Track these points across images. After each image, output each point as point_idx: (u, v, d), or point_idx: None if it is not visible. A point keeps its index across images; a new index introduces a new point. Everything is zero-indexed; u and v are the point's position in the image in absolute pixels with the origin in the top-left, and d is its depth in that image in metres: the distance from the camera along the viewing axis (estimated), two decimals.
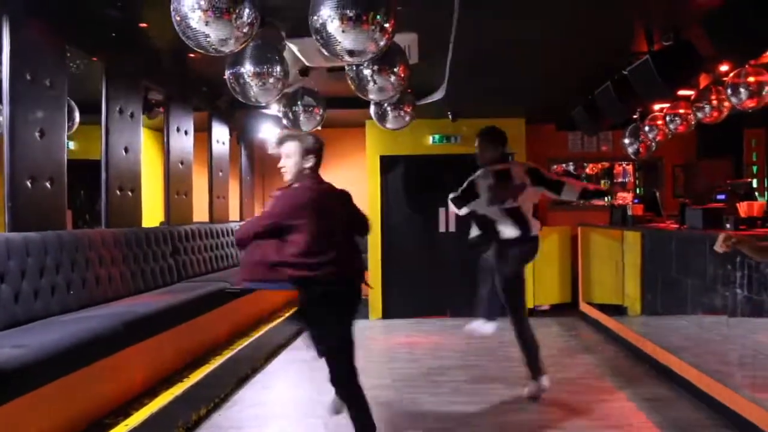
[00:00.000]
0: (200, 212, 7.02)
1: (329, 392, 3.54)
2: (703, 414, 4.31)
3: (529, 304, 8.19)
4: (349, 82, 4.34)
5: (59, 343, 3.09)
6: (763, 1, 3.23)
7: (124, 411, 3.78)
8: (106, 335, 3.47)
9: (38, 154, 4.02)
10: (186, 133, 6.46)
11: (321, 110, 5.50)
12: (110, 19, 4.51)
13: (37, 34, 4.05)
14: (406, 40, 4.71)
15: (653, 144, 7.07)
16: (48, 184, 4.10)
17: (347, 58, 3.12)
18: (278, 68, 4.05)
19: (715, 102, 5.59)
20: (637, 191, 8.89)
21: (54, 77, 4.17)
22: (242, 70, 4.01)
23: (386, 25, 3.05)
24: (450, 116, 7.72)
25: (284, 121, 5.57)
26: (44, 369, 2.94)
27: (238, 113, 7.68)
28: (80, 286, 4.12)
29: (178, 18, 3.01)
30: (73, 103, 5.68)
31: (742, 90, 5.00)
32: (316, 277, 3.19)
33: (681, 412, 4.38)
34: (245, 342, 5.71)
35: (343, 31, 2.97)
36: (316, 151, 3.37)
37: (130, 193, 5.29)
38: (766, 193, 7.69)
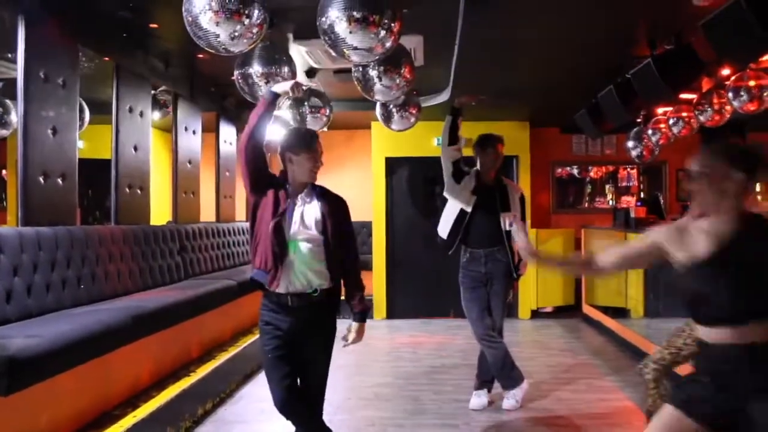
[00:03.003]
0: (207, 211, 7.10)
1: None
2: None
3: (533, 306, 8.29)
4: (356, 82, 4.42)
5: (71, 334, 3.16)
6: (761, 5, 3.28)
7: (132, 403, 3.87)
8: (115, 328, 3.54)
9: (50, 151, 4.10)
10: (194, 132, 6.54)
11: (327, 111, 5.59)
12: (122, 20, 4.60)
13: (51, 34, 4.13)
14: (412, 42, 4.80)
15: (656, 148, 7.11)
16: (60, 181, 4.19)
17: (354, 58, 3.20)
18: (286, 69, 4.14)
19: (716, 105, 5.64)
20: (641, 195, 8.93)
21: (67, 76, 4.25)
22: (251, 70, 4.10)
23: (392, 26, 3.13)
24: None
25: (291, 122, 5.64)
26: (57, 359, 3.01)
27: (246, 113, 7.74)
28: (90, 280, 4.20)
29: (190, 18, 3.10)
30: (83, 103, 5.77)
31: (743, 93, 5.05)
32: None
33: None
34: (250, 339, 5.80)
35: (350, 32, 3.05)
36: None
37: (138, 191, 5.37)
38: None
